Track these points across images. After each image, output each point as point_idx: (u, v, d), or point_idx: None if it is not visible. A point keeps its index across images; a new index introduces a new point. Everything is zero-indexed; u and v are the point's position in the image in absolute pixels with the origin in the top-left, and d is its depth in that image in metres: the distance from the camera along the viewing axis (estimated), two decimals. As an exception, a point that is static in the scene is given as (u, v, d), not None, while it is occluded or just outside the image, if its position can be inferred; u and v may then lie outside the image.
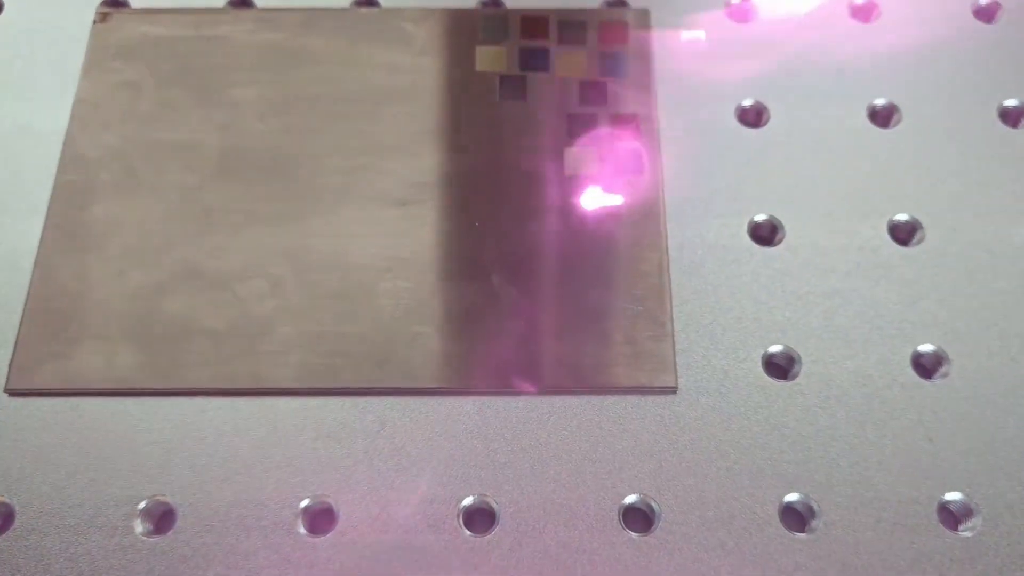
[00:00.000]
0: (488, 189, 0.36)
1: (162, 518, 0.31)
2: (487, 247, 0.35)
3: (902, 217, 0.36)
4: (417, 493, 0.31)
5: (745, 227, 0.36)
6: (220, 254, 0.35)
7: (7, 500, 0.31)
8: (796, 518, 0.31)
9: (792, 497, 0.31)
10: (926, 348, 0.33)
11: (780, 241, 0.35)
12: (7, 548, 0.30)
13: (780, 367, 0.34)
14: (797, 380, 0.33)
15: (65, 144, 0.37)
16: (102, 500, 0.31)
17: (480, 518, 0.31)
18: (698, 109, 0.38)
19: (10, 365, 0.33)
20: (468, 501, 0.31)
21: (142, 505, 0.31)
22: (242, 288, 0.34)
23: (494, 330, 0.33)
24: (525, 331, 0.33)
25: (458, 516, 0.31)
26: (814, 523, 0.31)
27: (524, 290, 0.34)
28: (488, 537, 0.31)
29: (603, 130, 0.37)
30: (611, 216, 0.36)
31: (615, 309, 0.34)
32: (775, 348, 0.34)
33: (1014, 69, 0.39)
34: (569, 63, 0.39)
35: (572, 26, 0.40)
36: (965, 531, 0.31)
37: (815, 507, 0.31)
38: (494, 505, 0.31)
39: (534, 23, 0.40)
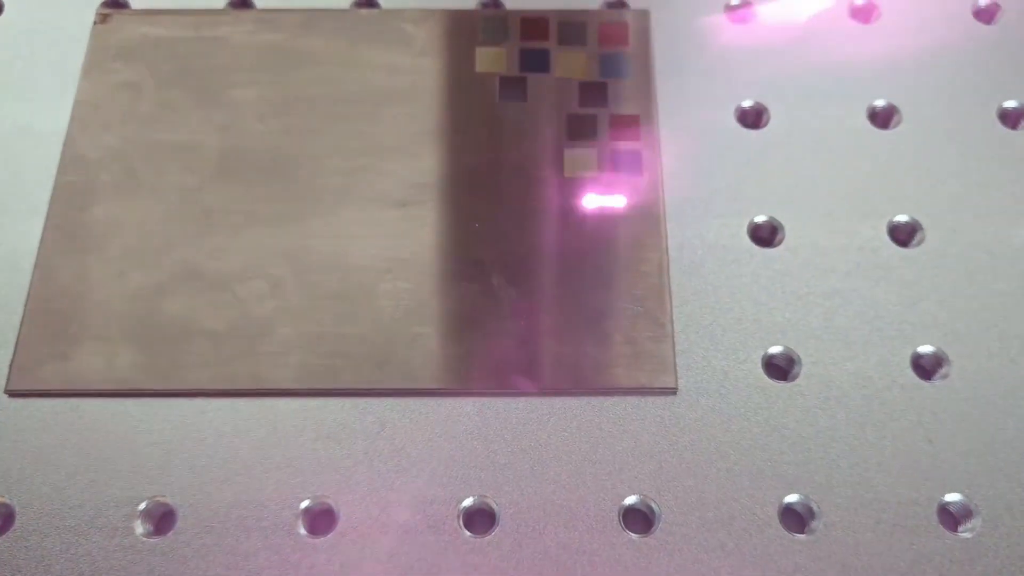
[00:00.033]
0: (488, 190, 0.36)
1: (162, 519, 0.31)
2: (487, 248, 0.35)
3: (902, 218, 0.36)
4: (417, 494, 0.31)
5: (745, 228, 0.36)
6: (220, 255, 0.35)
7: (7, 501, 0.31)
8: (796, 519, 0.31)
9: (792, 498, 0.31)
10: (926, 349, 0.33)
11: (780, 242, 0.35)
12: (7, 549, 0.30)
13: (780, 368, 0.34)
14: (797, 381, 0.33)
15: (65, 145, 0.37)
16: (102, 501, 0.31)
17: (480, 519, 0.31)
18: (698, 110, 0.38)
19: (10, 366, 0.33)
20: (468, 502, 0.31)
21: (142, 506, 0.31)
22: (242, 289, 0.34)
23: (494, 331, 0.34)
24: (525, 332, 0.34)
25: (458, 517, 0.31)
26: (814, 524, 0.31)
27: (524, 291, 0.34)
28: (488, 538, 0.31)
29: (603, 131, 0.37)
30: (611, 217, 0.36)
31: (615, 310, 0.34)
32: (775, 349, 0.34)
33: (1014, 70, 0.39)
34: (569, 64, 0.39)
35: (572, 27, 0.40)
36: (965, 532, 0.31)
37: (815, 508, 0.31)
38: (494, 506, 0.31)
39: (534, 24, 0.40)
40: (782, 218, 0.36)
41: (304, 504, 0.31)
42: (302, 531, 0.31)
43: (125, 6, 0.41)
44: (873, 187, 0.36)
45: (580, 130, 0.37)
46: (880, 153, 0.37)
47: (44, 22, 0.40)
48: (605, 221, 0.36)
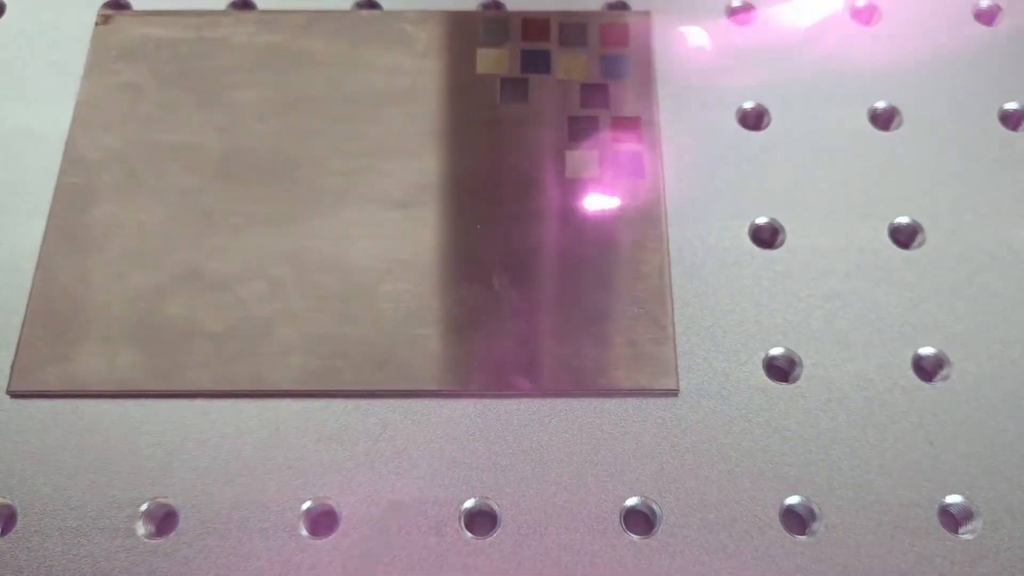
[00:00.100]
0: (489, 191, 0.36)
1: (164, 520, 0.31)
2: (488, 249, 0.35)
3: (903, 220, 0.36)
4: (418, 495, 0.31)
5: (746, 230, 0.36)
6: (221, 256, 0.35)
7: (9, 502, 0.31)
8: (797, 521, 0.31)
9: (793, 500, 0.31)
10: (927, 351, 0.34)
11: (781, 244, 0.36)
12: (9, 550, 0.30)
13: (781, 370, 0.34)
14: (798, 383, 0.33)
15: (66, 146, 0.37)
16: (104, 502, 0.31)
17: (481, 520, 0.31)
18: (699, 112, 0.38)
19: (12, 367, 0.33)
20: (469, 503, 0.31)
21: (144, 507, 0.31)
22: (243, 290, 0.34)
23: (495, 332, 0.34)
24: (526, 333, 0.34)
25: (459, 518, 0.31)
26: (815, 526, 0.31)
27: (525, 292, 0.34)
28: (489, 539, 0.31)
29: (604, 133, 0.37)
30: (612, 219, 0.36)
31: (616, 311, 0.34)
32: (776, 351, 0.34)
33: (1015, 72, 0.39)
34: (570, 65, 0.39)
35: (573, 28, 0.40)
36: (966, 534, 0.31)
37: (816, 510, 0.31)
38: (495, 507, 0.31)
39: (535, 25, 0.40)
40: (783, 220, 0.36)
41: (306, 505, 0.31)
42: (304, 532, 0.31)
43: (126, 7, 0.41)
44: (874, 189, 0.36)
45: (581, 131, 0.37)
46: (881, 155, 0.37)
47: (45, 23, 0.40)
48: (606, 222, 0.36)
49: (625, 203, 0.36)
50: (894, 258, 0.35)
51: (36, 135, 0.37)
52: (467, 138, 0.37)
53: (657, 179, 0.37)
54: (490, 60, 0.39)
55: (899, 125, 0.38)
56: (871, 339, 0.34)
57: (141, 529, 0.31)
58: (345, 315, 0.34)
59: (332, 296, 0.34)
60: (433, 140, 0.37)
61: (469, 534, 0.31)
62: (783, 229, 0.36)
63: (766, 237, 0.36)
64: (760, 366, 0.33)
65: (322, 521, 0.31)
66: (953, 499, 0.31)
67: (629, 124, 0.38)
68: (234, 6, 0.40)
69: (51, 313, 0.34)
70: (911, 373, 0.33)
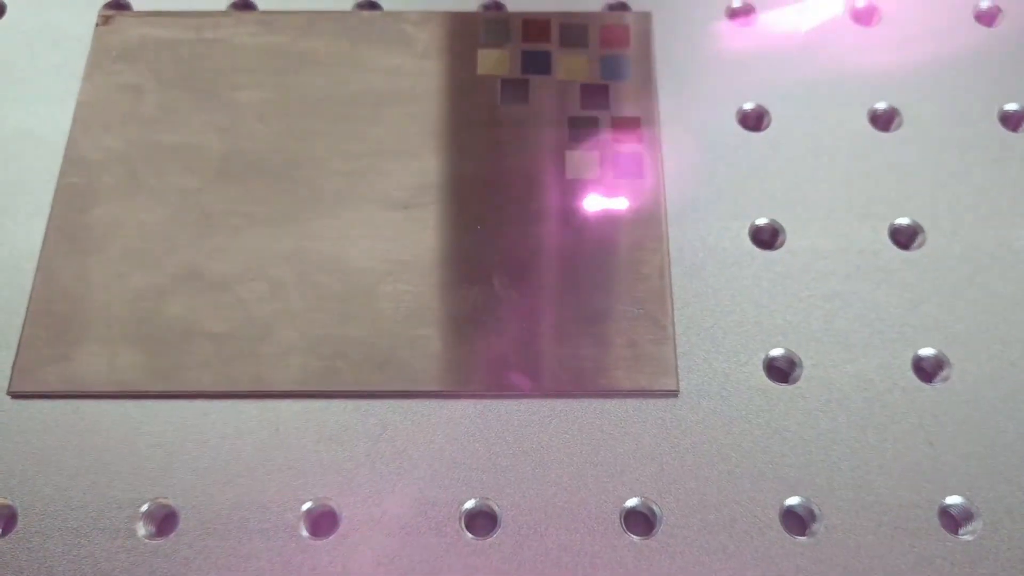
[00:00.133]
0: (489, 192, 0.36)
1: (164, 521, 0.31)
2: (488, 250, 0.35)
3: (903, 221, 0.36)
4: (419, 496, 0.31)
5: (746, 230, 0.36)
6: (221, 256, 0.35)
7: (10, 502, 0.31)
8: (797, 522, 0.31)
9: (793, 501, 0.31)
10: (927, 352, 0.34)
11: (781, 244, 0.36)
12: (10, 550, 0.30)
13: (781, 370, 0.34)
14: (798, 384, 0.33)
15: (67, 146, 0.37)
16: (104, 502, 0.31)
17: (482, 521, 0.31)
18: (699, 112, 0.38)
19: (12, 367, 0.33)
20: (470, 504, 0.31)
21: (144, 508, 0.31)
22: (243, 290, 0.34)
23: (495, 333, 0.34)
24: (526, 334, 0.34)
25: (460, 519, 0.31)
26: (815, 527, 0.31)
27: (525, 293, 0.34)
28: (489, 540, 0.31)
29: (604, 133, 0.37)
30: (612, 219, 0.36)
31: (616, 312, 0.34)
32: (776, 352, 0.34)
33: (1015, 73, 0.39)
34: (570, 66, 0.39)
35: (574, 29, 0.40)
36: (966, 535, 0.31)
37: (816, 511, 0.31)
38: (495, 508, 0.31)
39: (536, 26, 0.40)
40: (783, 220, 0.36)
41: (306, 506, 0.31)
42: (304, 533, 0.31)
43: (127, 8, 0.41)
44: (874, 189, 0.36)
45: (581, 132, 0.37)
46: (881, 156, 0.37)
47: (46, 24, 0.40)
48: (606, 223, 0.36)
49: (625, 204, 0.36)
50: (894, 259, 0.35)
51: (37, 135, 0.37)
52: (468, 139, 0.37)
53: (657, 180, 0.37)
54: (491, 61, 0.39)
55: (899, 126, 0.38)
56: (871, 340, 0.34)
57: (141, 530, 0.31)
58: (345, 316, 0.34)
59: (332, 297, 0.34)
60: (434, 141, 0.37)
61: (469, 535, 0.31)
62: (783, 230, 0.36)
63: (766, 238, 0.36)
64: (760, 367, 0.33)
65: (322, 522, 0.31)
66: (953, 500, 0.31)
67: (629, 125, 0.38)
68: (235, 7, 0.41)
69: (51, 313, 0.34)
70: (911, 374, 0.33)
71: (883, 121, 0.38)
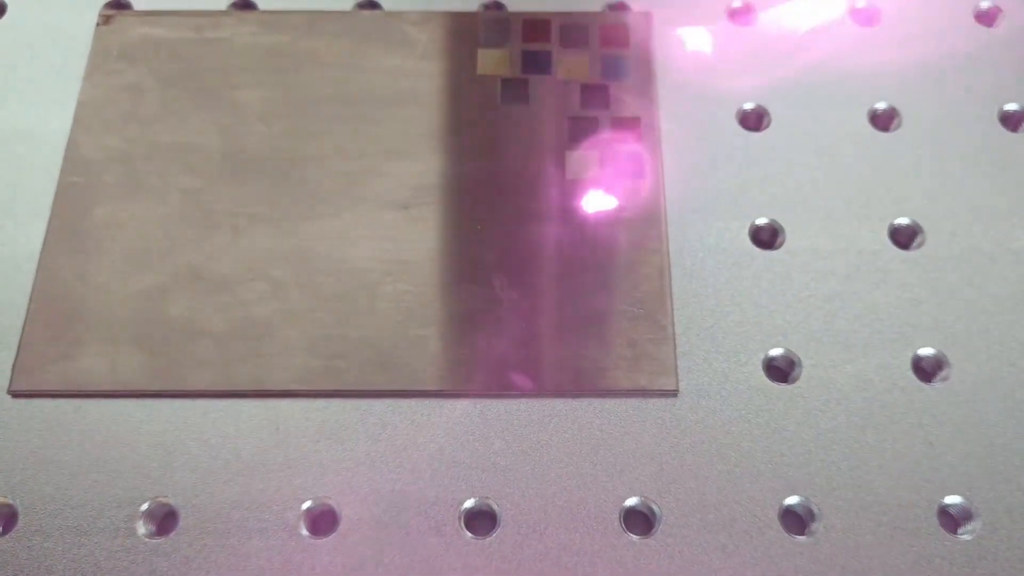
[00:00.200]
0: (490, 192, 0.36)
1: (164, 520, 0.31)
2: (489, 250, 0.35)
3: (902, 221, 0.36)
4: (418, 495, 0.31)
5: (746, 230, 0.36)
6: (222, 256, 0.35)
7: (10, 501, 0.31)
8: (796, 521, 0.31)
9: (792, 500, 0.31)
10: (926, 352, 0.34)
11: (781, 245, 0.36)
12: (10, 549, 0.30)
13: (780, 370, 0.34)
14: (797, 383, 0.33)
15: (68, 146, 0.37)
16: (105, 501, 0.31)
17: (481, 520, 0.31)
18: (699, 113, 0.38)
19: (13, 367, 0.33)
20: (469, 503, 0.31)
21: (144, 507, 0.31)
22: (244, 290, 0.34)
23: (495, 333, 0.34)
24: (526, 334, 0.34)
25: (459, 518, 0.31)
26: (814, 526, 0.31)
27: (525, 293, 0.34)
28: (489, 539, 0.31)
29: (604, 133, 0.37)
30: (612, 219, 0.36)
31: (616, 312, 0.34)
32: (776, 351, 0.34)
33: (1014, 73, 0.39)
34: (571, 66, 0.39)
35: (574, 29, 0.40)
36: (965, 535, 0.31)
37: (815, 510, 0.31)
38: (495, 507, 0.31)
39: (536, 26, 0.40)
40: (783, 221, 0.36)
41: (306, 505, 0.31)
42: (304, 532, 0.31)
43: (128, 7, 0.41)
44: (874, 190, 0.36)
45: (581, 132, 0.38)
46: (881, 156, 0.37)
47: (47, 24, 0.40)
48: (606, 223, 0.36)
49: (625, 204, 0.36)
50: (894, 259, 0.35)
51: (37, 135, 0.38)
52: (468, 139, 0.37)
53: (657, 180, 0.37)
54: (491, 61, 0.39)
55: (899, 126, 0.38)
56: (870, 340, 0.34)
57: (142, 529, 0.31)
58: (346, 315, 0.34)
59: (333, 296, 0.34)
60: (434, 141, 0.37)
61: (469, 534, 0.31)
62: (783, 230, 0.36)
63: (766, 238, 0.36)
64: (760, 367, 0.33)
65: (322, 521, 0.31)
66: (952, 500, 0.31)
67: (629, 125, 0.38)
68: (235, 6, 0.41)
69: (52, 313, 0.34)
70: (910, 374, 0.33)
71: (883, 121, 0.38)
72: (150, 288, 0.34)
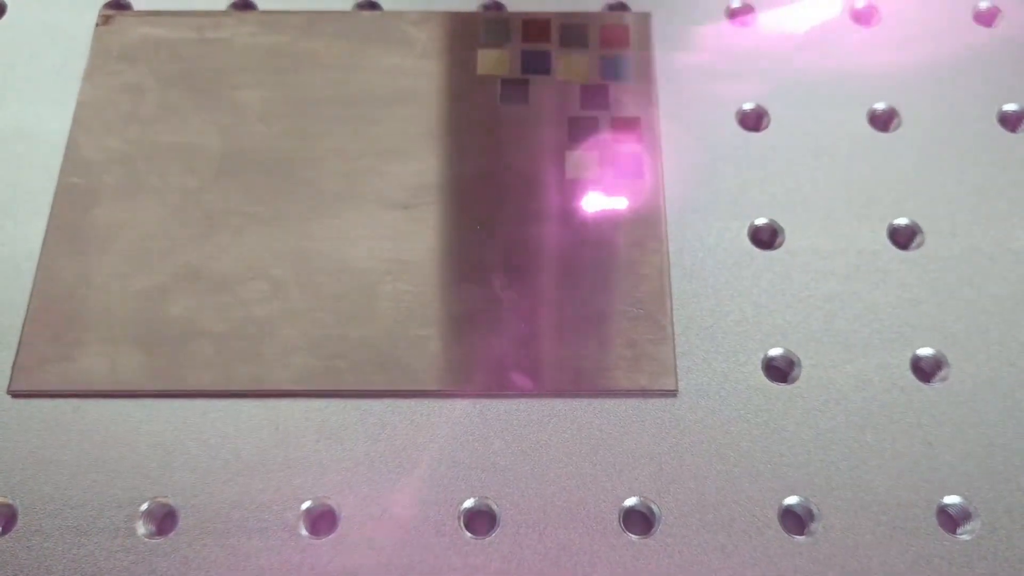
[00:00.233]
0: (489, 192, 0.36)
1: (164, 520, 0.31)
2: (488, 250, 0.35)
3: (902, 221, 0.36)
4: (418, 495, 0.31)
5: (745, 231, 0.36)
6: (222, 256, 0.35)
7: (10, 501, 0.31)
8: (795, 521, 0.31)
9: (791, 500, 0.31)
10: (925, 352, 0.34)
11: (780, 245, 0.36)
12: (9, 549, 0.31)
13: (780, 370, 0.34)
14: (797, 383, 0.33)
15: (68, 147, 0.37)
16: (104, 501, 0.31)
17: (481, 520, 0.31)
18: (699, 113, 0.38)
19: (13, 366, 0.33)
20: (469, 503, 0.31)
21: (144, 507, 0.31)
22: (244, 290, 0.34)
23: (495, 333, 0.34)
24: (526, 334, 0.34)
25: (459, 518, 0.31)
26: (813, 526, 0.31)
27: (525, 293, 0.34)
28: (489, 539, 0.31)
29: (604, 134, 0.37)
30: (612, 219, 0.36)
31: (616, 312, 0.34)
32: (775, 351, 0.34)
33: (1014, 74, 0.39)
34: (570, 67, 0.39)
35: (573, 29, 0.40)
36: (964, 535, 0.31)
37: (814, 510, 0.31)
38: (495, 507, 0.31)
39: (535, 26, 0.40)
40: (782, 221, 0.36)
41: (305, 505, 0.31)
42: (303, 532, 0.31)
43: (127, 7, 0.41)
44: (873, 190, 0.37)
45: (581, 132, 0.38)
46: (880, 156, 0.37)
47: (46, 24, 0.40)
48: (606, 223, 0.36)
49: (625, 204, 0.36)
50: (893, 259, 0.35)
51: (37, 136, 0.38)
52: (468, 139, 0.37)
53: (657, 180, 0.37)
54: (491, 61, 0.39)
55: (898, 126, 0.38)
56: (870, 340, 0.34)
57: (141, 529, 0.31)
58: (346, 315, 0.34)
59: (333, 296, 0.34)
60: (434, 141, 0.37)
61: (468, 534, 0.31)
62: (782, 230, 0.36)
63: (765, 238, 0.36)
64: (759, 367, 0.33)
65: (322, 521, 0.31)
66: (951, 500, 0.31)
67: (629, 125, 0.38)
68: (235, 7, 0.41)
69: (52, 313, 0.34)
70: (909, 374, 0.33)
71: (882, 121, 0.38)
72: (150, 288, 0.34)
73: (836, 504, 0.31)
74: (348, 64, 0.39)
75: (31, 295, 0.34)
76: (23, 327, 0.34)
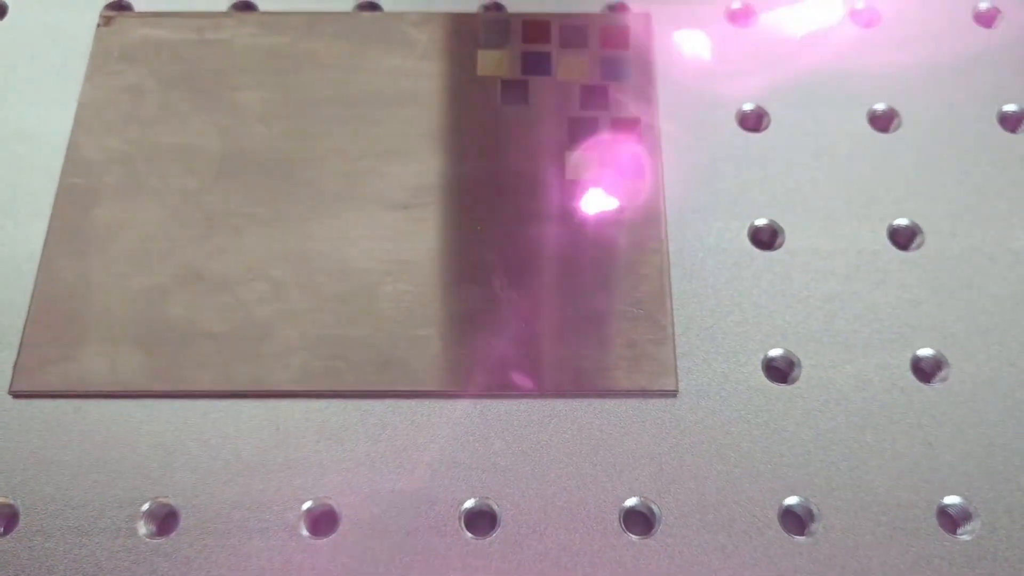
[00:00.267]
0: (490, 193, 0.36)
1: (165, 520, 0.31)
2: (489, 250, 0.35)
3: (902, 221, 0.36)
4: (418, 495, 0.31)
5: (745, 231, 0.36)
6: (222, 257, 0.35)
7: (11, 501, 0.31)
8: (796, 521, 0.31)
9: (792, 500, 0.31)
10: (925, 352, 0.34)
11: (780, 245, 0.36)
12: (11, 549, 0.31)
13: (780, 371, 0.34)
14: (797, 384, 0.33)
15: (68, 147, 0.37)
16: (105, 502, 0.31)
17: (481, 520, 0.31)
18: (699, 113, 0.38)
19: (14, 367, 0.33)
20: (469, 503, 0.31)
21: (145, 507, 0.31)
22: (244, 291, 0.34)
23: (495, 333, 0.34)
24: (526, 334, 0.34)
25: (459, 518, 0.31)
26: (813, 526, 0.31)
27: (525, 293, 0.34)
28: (489, 539, 0.31)
29: (604, 134, 0.38)
30: (612, 220, 0.36)
31: (616, 312, 0.34)
32: (775, 352, 0.34)
33: (1013, 74, 0.39)
34: (571, 67, 0.39)
35: (574, 30, 0.40)
36: (964, 535, 0.31)
37: (815, 510, 0.31)
38: (495, 507, 0.31)
39: (536, 27, 0.40)
40: (782, 221, 0.36)
41: (306, 505, 0.31)
42: (304, 532, 0.31)
43: (128, 8, 0.41)
44: (873, 190, 0.37)
45: (581, 133, 0.38)
46: (880, 157, 0.37)
47: (47, 24, 0.40)
48: (606, 224, 0.36)
49: (625, 204, 0.36)
50: (893, 259, 0.35)
51: (38, 136, 0.38)
52: (468, 139, 0.37)
53: (657, 180, 0.37)
54: (491, 62, 0.39)
55: (898, 127, 0.38)
56: (870, 340, 0.34)
57: (142, 529, 0.31)
58: (346, 316, 0.34)
59: (333, 297, 0.34)
60: (434, 141, 0.37)
61: (469, 534, 0.31)
62: (782, 230, 0.36)
63: (765, 238, 0.36)
64: (759, 367, 0.33)
65: (322, 521, 0.31)
66: (951, 500, 0.31)
67: (629, 125, 0.38)
68: (236, 8, 0.41)
69: (53, 313, 0.34)
70: (910, 374, 0.33)
71: (882, 122, 0.38)
72: (150, 288, 0.34)
73: (836, 504, 0.31)
74: (348, 65, 0.39)
75: (32, 296, 0.34)
76: (24, 327, 0.34)
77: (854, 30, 0.40)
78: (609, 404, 0.33)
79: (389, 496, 0.31)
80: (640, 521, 0.31)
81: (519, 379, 0.33)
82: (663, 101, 0.38)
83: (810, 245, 0.35)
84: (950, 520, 0.31)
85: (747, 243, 0.36)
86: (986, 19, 0.40)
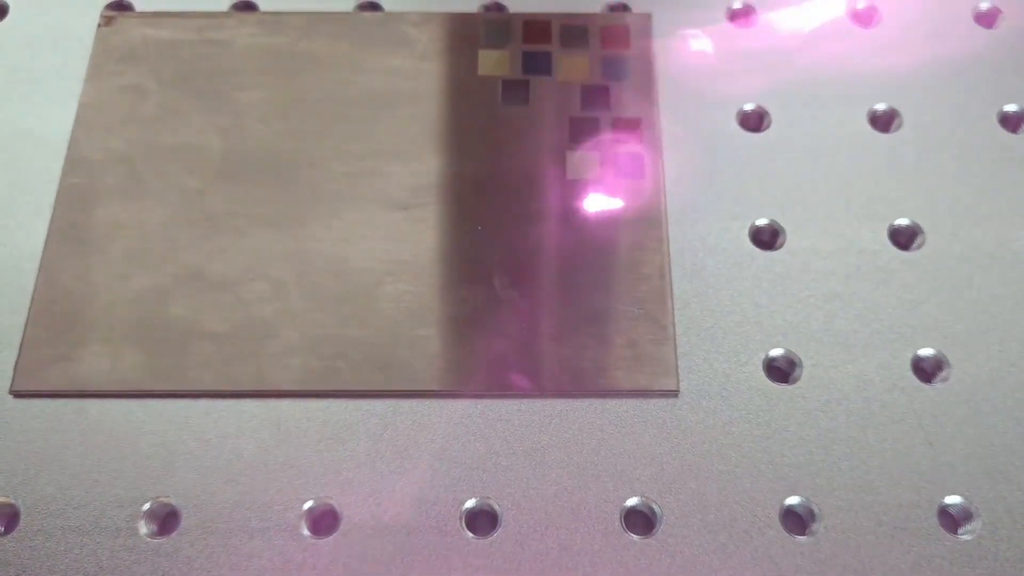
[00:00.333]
0: (490, 193, 0.36)
1: (166, 519, 0.31)
2: (489, 250, 0.35)
3: (902, 221, 0.36)
4: (419, 495, 0.31)
5: (746, 231, 0.36)
6: (223, 257, 0.35)
7: (12, 501, 0.31)
8: (797, 521, 0.31)
9: (793, 500, 0.31)
10: (926, 352, 0.34)
11: (781, 245, 0.36)
12: (12, 549, 0.31)
13: (781, 371, 0.34)
14: (798, 384, 0.33)
15: (69, 147, 0.37)
16: (106, 501, 0.31)
17: (482, 520, 0.31)
18: (700, 113, 0.38)
19: (15, 367, 0.33)
20: (470, 503, 0.31)
21: (146, 507, 0.31)
22: (244, 291, 0.34)
23: (495, 333, 0.34)
24: (526, 334, 0.34)
25: (460, 518, 0.31)
26: (815, 526, 0.31)
27: (525, 293, 0.34)
28: (490, 539, 0.31)
29: (605, 134, 0.38)
30: (613, 220, 0.36)
31: (617, 312, 0.34)
32: (776, 352, 0.34)
33: (1014, 74, 0.39)
34: (571, 67, 0.39)
35: (574, 30, 0.40)
36: (965, 535, 0.31)
37: (816, 510, 0.31)
38: (496, 507, 0.31)
39: (536, 27, 0.40)
40: (783, 221, 0.36)
41: (307, 505, 0.31)
42: (305, 532, 0.31)
43: (129, 9, 0.41)
44: (874, 190, 0.37)
45: (582, 133, 0.38)
46: (881, 157, 0.37)
47: (48, 25, 0.40)
48: (607, 224, 0.36)
49: (626, 204, 0.36)
50: (894, 259, 0.35)
51: (39, 136, 0.38)
52: (468, 139, 0.37)
53: (658, 180, 0.37)
54: (491, 62, 0.39)
55: (899, 127, 0.38)
56: (871, 340, 0.34)
57: (143, 528, 0.31)
58: (346, 316, 0.34)
59: (333, 297, 0.34)
60: (434, 141, 0.37)
61: (470, 534, 0.31)
62: (783, 230, 0.36)
63: (766, 238, 0.36)
64: (760, 367, 0.33)
65: (323, 521, 0.31)
66: (952, 500, 0.31)
67: (630, 125, 0.38)
68: (236, 8, 0.41)
69: (54, 313, 0.34)
70: (911, 374, 0.33)
71: (883, 122, 0.38)
72: (151, 288, 0.34)
73: (837, 504, 0.31)
74: (349, 65, 0.39)
75: (33, 295, 0.34)
76: (25, 327, 0.34)
77: (855, 30, 0.40)
78: (610, 404, 0.33)
79: (390, 496, 0.31)
80: (641, 521, 0.31)
81: (520, 379, 0.33)
82: (664, 101, 0.38)
83: (811, 245, 0.35)
84: (951, 520, 0.31)
85: (748, 243, 0.36)
86: (987, 19, 0.40)
